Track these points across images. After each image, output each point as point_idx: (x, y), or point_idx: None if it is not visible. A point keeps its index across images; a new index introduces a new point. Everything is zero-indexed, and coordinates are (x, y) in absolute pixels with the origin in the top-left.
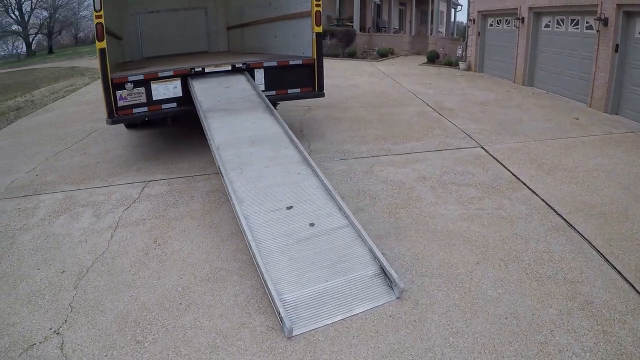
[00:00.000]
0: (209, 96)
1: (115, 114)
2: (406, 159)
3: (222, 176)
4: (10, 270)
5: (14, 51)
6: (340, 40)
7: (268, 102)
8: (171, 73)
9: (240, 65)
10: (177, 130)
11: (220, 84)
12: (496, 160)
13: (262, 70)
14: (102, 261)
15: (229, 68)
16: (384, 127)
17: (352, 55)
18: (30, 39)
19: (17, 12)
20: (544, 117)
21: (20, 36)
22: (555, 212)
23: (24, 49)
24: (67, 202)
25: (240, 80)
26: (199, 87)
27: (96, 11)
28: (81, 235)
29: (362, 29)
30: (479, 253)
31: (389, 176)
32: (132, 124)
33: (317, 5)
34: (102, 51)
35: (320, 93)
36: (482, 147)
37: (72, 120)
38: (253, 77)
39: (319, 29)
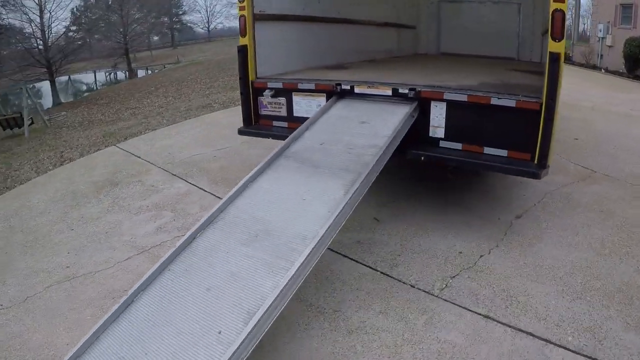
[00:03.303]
0: (321, 131)
1: (255, 122)
2: None
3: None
4: (39, 239)
5: None
6: None
7: (380, 168)
8: (313, 86)
9: (406, 91)
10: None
11: (361, 114)
12: None
13: (443, 105)
14: (62, 284)
15: (389, 92)
16: None
17: None
18: None
19: None
20: None
21: None
22: None
23: None
24: (173, 199)
25: (395, 115)
26: (330, 114)
27: (239, 2)
28: (113, 245)
29: None
30: None
31: None
32: None
33: (558, 0)
34: (243, 49)
35: (537, 170)
36: None
37: None
38: (427, 112)
39: (558, 47)
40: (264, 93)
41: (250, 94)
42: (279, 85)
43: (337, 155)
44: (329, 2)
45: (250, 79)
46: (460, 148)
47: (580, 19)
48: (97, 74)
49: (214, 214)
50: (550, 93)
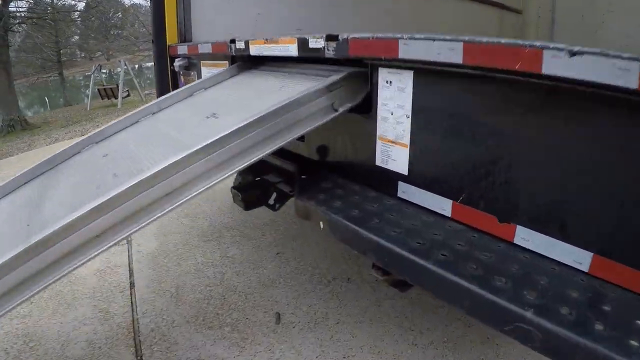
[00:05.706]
0: (141, 131)
1: None
2: None
3: None
4: None
5: None
6: None
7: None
8: (210, 48)
9: (320, 44)
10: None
11: (236, 96)
12: None
13: (406, 80)
14: None
15: (293, 50)
16: None
17: None
18: None
19: None
20: None
21: None
22: None
23: None
24: None
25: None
26: (198, 97)
27: None
28: None
29: None
30: None
31: None
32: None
33: None
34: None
35: None
36: None
37: None
38: (371, 100)
39: None
40: (174, 63)
41: (167, 64)
42: (184, 50)
43: (85, 186)
44: None
45: (167, 42)
46: (449, 215)
47: None
48: None
49: None
50: None
